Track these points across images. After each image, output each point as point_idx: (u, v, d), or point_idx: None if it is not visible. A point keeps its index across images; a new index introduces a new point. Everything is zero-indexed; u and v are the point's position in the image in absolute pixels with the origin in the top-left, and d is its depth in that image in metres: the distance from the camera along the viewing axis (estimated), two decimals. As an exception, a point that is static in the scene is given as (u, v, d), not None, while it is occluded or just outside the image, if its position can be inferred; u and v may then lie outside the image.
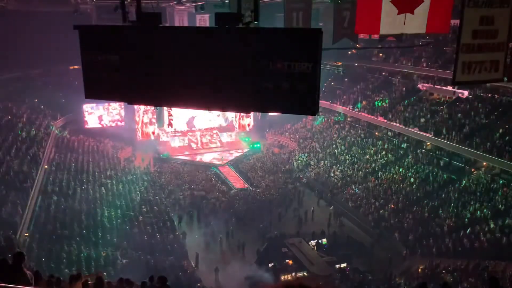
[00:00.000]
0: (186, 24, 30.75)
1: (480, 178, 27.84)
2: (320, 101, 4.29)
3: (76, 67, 37.61)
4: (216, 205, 31.21)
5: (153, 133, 44.49)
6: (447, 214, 26.26)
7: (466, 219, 25.15)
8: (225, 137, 46.38)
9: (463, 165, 29.42)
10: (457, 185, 28.27)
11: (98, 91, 5.16)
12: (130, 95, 5.03)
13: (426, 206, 27.66)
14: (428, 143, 32.71)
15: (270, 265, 23.67)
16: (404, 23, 9.96)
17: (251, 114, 45.75)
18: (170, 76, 4.65)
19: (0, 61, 35.74)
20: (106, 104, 41.87)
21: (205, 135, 45.74)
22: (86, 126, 42.36)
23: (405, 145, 34.58)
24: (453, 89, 32.82)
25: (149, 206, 29.16)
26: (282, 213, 30.70)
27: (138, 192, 31.22)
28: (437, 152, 31.70)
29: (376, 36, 13.10)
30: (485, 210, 24.98)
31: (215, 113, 44.71)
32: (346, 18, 13.38)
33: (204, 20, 31.02)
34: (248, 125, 47.97)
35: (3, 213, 20.88)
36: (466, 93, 32.66)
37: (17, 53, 35.38)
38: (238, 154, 43.35)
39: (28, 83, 39.99)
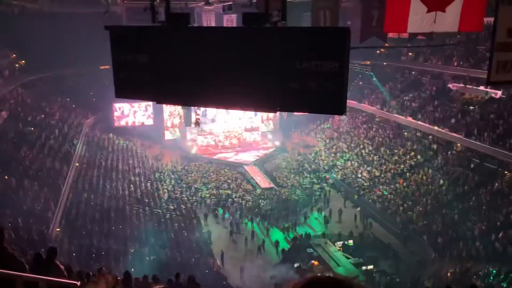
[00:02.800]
0: (213, 24, 30.97)
1: (513, 181, 26.98)
2: (348, 100, 4.25)
3: (106, 67, 38.44)
4: (242, 204, 31.35)
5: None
6: (478, 217, 25.54)
7: (498, 223, 24.41)
8: (251, 137, 46.54)
9: (495, 167, 28.51)
10: (489, 187, 27.45)
11: (128, 90, 5.26)
12: (159, 94, 5.12)
13: (456, 209, 26.99)
14: (458, 144, 31.88)
15: (295, 265, 23.59)
16: (435, 22, 9.76)
17: (274, 116, 45.76)
18: (198, 76, 4.70)
19: (34, 61, 36.94)
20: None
21: (232, 135, 45.98)
22: (116, 125, 43.31)
23: (435, 146, 33.83)
24: (486, 89, 31.87)
25: (176, 204, 29.57)
26: (307, 213, 30.56)
27: (165, 190, 31.68)
28: (468, 153, 30.87)
29: (405, 35, 12.86)
30: (518, 214, 24.20)
31: (241, 112, 44.82)
32: (374, 17, 13.17)
33: (231, 20, 31.17)
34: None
35: (36, 209, 21.57)
36: (499, 93, 31.61)
37: (50, 53, 36.44)
38: (263, 154, 43.41)
39: (61, 83, 41.14)
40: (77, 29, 34.93)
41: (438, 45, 29.99)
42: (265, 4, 4.46)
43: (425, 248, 25.70)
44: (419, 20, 9.88)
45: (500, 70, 6.62)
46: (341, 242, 25.97)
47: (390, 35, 20.77)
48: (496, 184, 27.31)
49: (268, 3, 4.45)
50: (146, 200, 28.86)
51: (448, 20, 9.83)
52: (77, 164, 30.21)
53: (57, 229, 21.73)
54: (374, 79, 42.52)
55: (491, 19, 6.62)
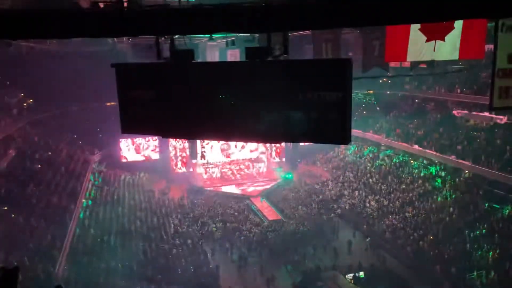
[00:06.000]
0: (217, 59, 31.52)
1: (525, 207, 26.57)
2: (352, 130, 4.27)
3: (112, 103, 38.98)
4: (249, 237, 30.95)
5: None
6: (491, 245, 25.03)
7: (511, 250, 23.88)
8: (257, 168, 46.50)
9: (505, 193, 28.16)
10: (500, 214, 27.02)
11: (134, 126, 5.32)
12: (165, 129, 5.17)
13: (467, 237, 26.49)
14: (466, 171, 31.63)
15: (306, 299, 23.09)
16: (434, 50, 9.90)
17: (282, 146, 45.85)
18: (203, 110, 4.76)
19: (42, 99, 37.58)
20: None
21: (238, 167, 45.98)
22: (122, 160, 43.47)
23: (442, 173, 33.57)
24: (490, 115, 31.90)
25: (182, 239, 29.25)
26: (317, 245, 30.05)
27: (172, 225, 31.43)
28: (476, 180, 30.56)
29: (407, 64, 13.03)
30: (532, 241, 23.72)
31: (248, 144, 45.03)
32: (375, 47, 13.37)
33: (234, 55, 31.70)
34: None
35: (42, 246, 21.44)
36: (504, 118, 31.63)
37: (57, 91, 37.09)
38: (270, 185, 43.23)
39: (67, 120, 41.67)
40: (83, 67, 35.62)
41: (439, 73, 30.27)
42: (268, 38, 4.55)
43: (438, 278, 25.08)
44: (418, 49, 10.05)
45: (503, 96, 6.66)
46: (352, 274, 25.43)
47: (392, 64, 21.05)
48: (507, 210, 26.90)
49: (271, 37, 4.55)
50: (153, 236, 28.60)
51: (448, 49, 9.98)
52: (83, 200, 30.20)
53: (64, 267, 21.51)
54: (378, 108, 42.80)
55: (492, 46, 6.71)
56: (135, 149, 44.19)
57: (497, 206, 27.76)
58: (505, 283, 22.19)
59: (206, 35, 23.53)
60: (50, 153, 33.90)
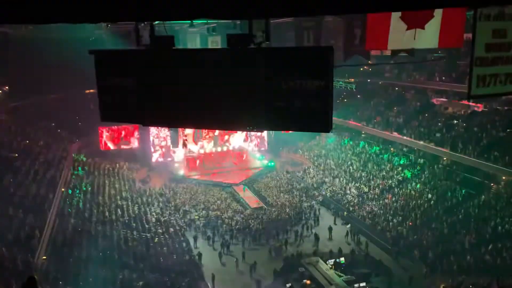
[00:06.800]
0: (198, 46, 31.13)
1: (500, 193, 27.27)
2: (333, 118, 4.27)
3: (91, 91, 38.24)
4: (232, 225, 31.06)
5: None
6: (467, 230, 25.69)
7: (487, 235, 24.56)
8: (240, 156, 46.48)
9: (481, 180, 28.87)
10: (476, 200, 27.71)
11: (113, 113, 5.24)
12: (145, 117, 5.10)
13: (445, 222, 27.12)
14: (444, 158, 32.27)
15: (288, 285, 23.34)
16: (414, 38, 9.97)
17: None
18: (183, 98, 4.70)
19: (18, 87, 36.64)
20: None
21: (219, 155, 45.86)
22: (102, 148, 42.85)
23: (421, 160, 34.16)
24: (468, 103, 32.51)
25: (164, 227, 29.17)
26: (298, 232, 30.37)
27: (153, 213, 31.28)
28: (454, 167, 31.21)
29: (388, 52, 13.09)
30: (506, 226, 24.39)
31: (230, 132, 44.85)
32: (357, 36, 13.39)
33: (216, 42, 31.34)
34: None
35: (21, 237, 21.09)
36: (481, 106, 32.29)
37: (34, 78, 36.18)
38: (252, 173, 43.31)
39: (45, 108, 40.78)
40: (62, 53, 34.79)
41: (419, 61, 30.59)
42: (249, 25, 4.50)
43: (417, 263, 25.68)
44: (399, 37, 10.09)
45: (480, 84, 6.74)
46: (333, 260, 25.80)
47: (373, 52, 21.18)
48: (483, 196, 27.60)
49: (252, 24, 4.50)
50: (134, 225, 28.43)
51: (428, 37, 10.05)
52: (63, 189, 29.74)
53: (43, 257, 21.22)
54: (358, 96, 43.05)
55: (471, 35, 6.77)
56: (115, 137, 43.58)
57: (474, 192, 28.47)
58: (481, 267, 22.83)
59: (187, 22, 23.21)
60: (27, 141, 33.17)
